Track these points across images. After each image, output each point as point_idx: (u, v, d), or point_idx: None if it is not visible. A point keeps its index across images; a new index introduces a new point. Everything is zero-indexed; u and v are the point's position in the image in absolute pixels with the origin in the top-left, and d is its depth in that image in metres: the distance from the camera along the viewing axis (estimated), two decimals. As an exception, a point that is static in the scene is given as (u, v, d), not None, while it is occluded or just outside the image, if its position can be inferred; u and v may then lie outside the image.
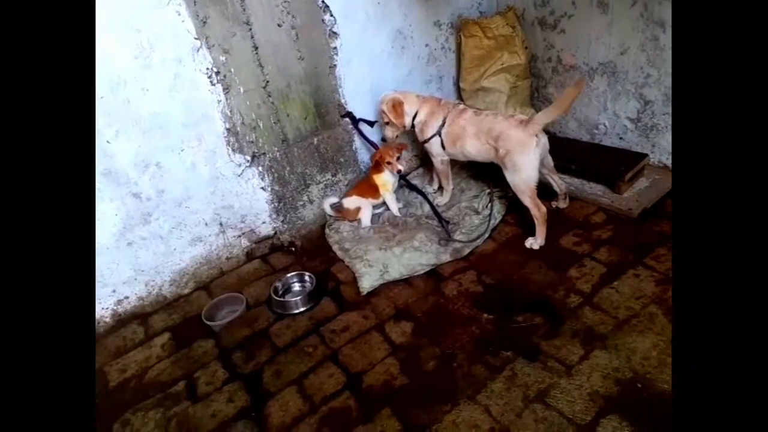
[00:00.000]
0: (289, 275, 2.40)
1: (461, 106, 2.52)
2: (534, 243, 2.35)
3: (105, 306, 2.28)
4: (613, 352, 1.70)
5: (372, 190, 2.68)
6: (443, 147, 2.56)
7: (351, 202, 2.67)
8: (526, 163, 2.25)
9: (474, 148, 2.43)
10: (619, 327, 1.80)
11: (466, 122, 2.43)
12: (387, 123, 2.64)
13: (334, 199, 2.78)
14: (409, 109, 2.59)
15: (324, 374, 1.87)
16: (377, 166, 2.62)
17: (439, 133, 2.53)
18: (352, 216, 2.67)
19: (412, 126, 2.65)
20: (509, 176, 2.33)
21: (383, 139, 2.82)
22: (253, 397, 1.83)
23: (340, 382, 1.82)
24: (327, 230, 2.70)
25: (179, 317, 2.34)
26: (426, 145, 2.63)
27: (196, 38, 2.10)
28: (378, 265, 2.27)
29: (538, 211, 2.30)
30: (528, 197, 2.30)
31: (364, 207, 2.64)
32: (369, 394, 1.75)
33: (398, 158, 2.58)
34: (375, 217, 2.73)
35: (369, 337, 2.00)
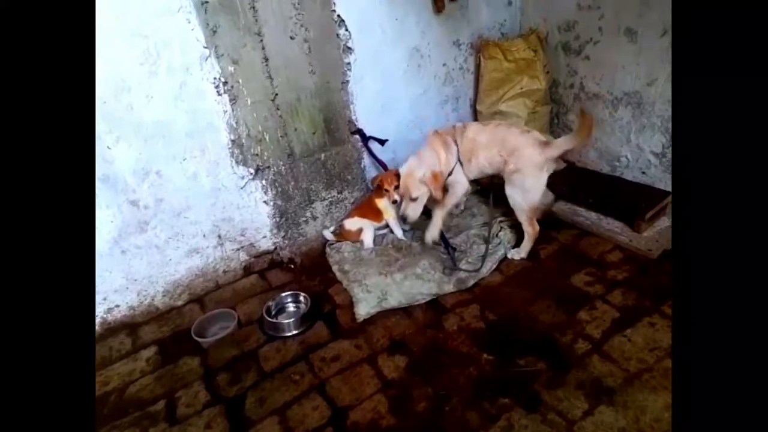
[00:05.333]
0: (283, 294, 2.32)
1: (460, 124, 2.43)
2: (516, 254, 2.40)
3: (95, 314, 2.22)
4: (621, 410, 1.55)
5: (374, 213, 2.59)
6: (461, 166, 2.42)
7: (353, 223, 2.58)
8: (534, 185, 2.22)
9: (486, 159, 2.32)
10: (629, 381, 1.66)
11: (474, 133, 2.34)
12: (414, 199, 2.31)
13: (332, 229, 2.71)
14: (439, 167, 2.35)
15: (309, 406, 1.76)
16: (379, 190, 2.53)
17: (458, 159, 2.39)
18: (354, 237, 2.58)
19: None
20: (512, 192, 2.28)
21: (394, 201, 2.54)
22: (233, 425, 1.73)
23: (325, 416, 1.71)
24: (328, 249, 2.61)
25: (169, 330, 2.26)
26: (450, 178, 2.40)
27: (205, 47, 2.06)
28: (376, 291, 2.17)
29: (532, 229, 2.33)
30: (526, 216, 2.31)
31: (366, 229, 2.55)
32: (353, 432, 1.63)
33: (396, 187, 2.42)
34: (379, 238, 2.63)
35: (360, 370, 1.89)
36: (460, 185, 2.43)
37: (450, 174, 2.40)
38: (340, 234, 2.65)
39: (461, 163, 2.38)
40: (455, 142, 2.37)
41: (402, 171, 2.34)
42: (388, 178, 2.46)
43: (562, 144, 2.17)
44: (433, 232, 2.40)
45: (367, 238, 2.55)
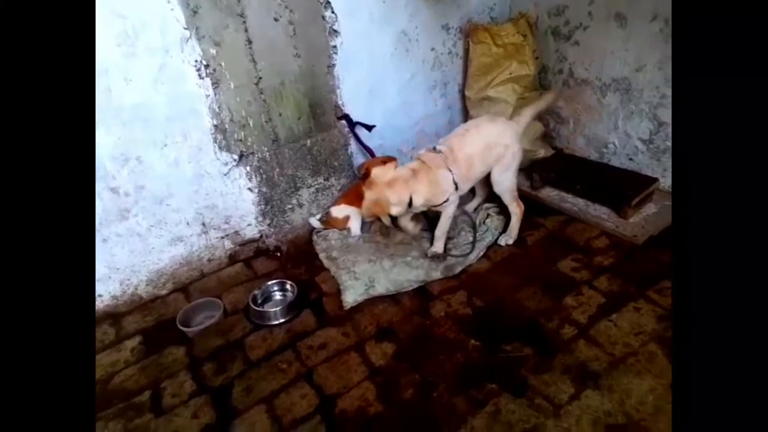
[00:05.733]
0: (269, 283, 2.29)
1: (442, 148, 2.19)
2: (506, 240, 2.40)
3: (76, 303, 2.17)
4: (606, 394, 1.57)
5: (361, 200, 2.54)
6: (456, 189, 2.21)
7: (340, 210, 2.55)
8: (518, 157, 2.28)
9: (483, 164, 2.24)
10: (615, 365, 1.67)
11: (463, 149, 2.18)
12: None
13: (318, 217, 2.68)
14: (396, 198, 2.09)
15: (296, 394, 1.75)
16: (366, 177, 2.49)
17: (455, 185, 2.18)
18: (341, 225, 2.55)
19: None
20: (501, 175, 2.28)
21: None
22: (220, 415, 1.71)
23: (312, 404, 1.70)
24: (315, 237, 2.59)
25: (153, 319, 2.22)
26: (444, 204, 2.21)
27: (185, 28, 1.99)
28: (364, 278, 2.15)
29: (519, 209, 2.37)
30: (513, 195, 2.34)
31: (353, 216, 2.53)
32: (341, 420, 1.62)
33: None
34: (366, 225, 2.61)
35: (347, 357, 1.88)
36: (453, 205, 2.25)
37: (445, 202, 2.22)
38: (327, 221, 2.61)
39: (457, 186, 2.19)
40: (449, 170, 2.15)
41: (371, 194, 2.12)
42: (375, 165, 2.42)
43: (528, 113, 2.36)
44: (438, 246, 2.32)
45: (355, 226, 2.53)
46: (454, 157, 2.17)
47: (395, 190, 2.08)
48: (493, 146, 2.22)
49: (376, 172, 2.14)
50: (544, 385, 1.64)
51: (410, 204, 2.12)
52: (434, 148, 2.21)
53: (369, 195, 2.12)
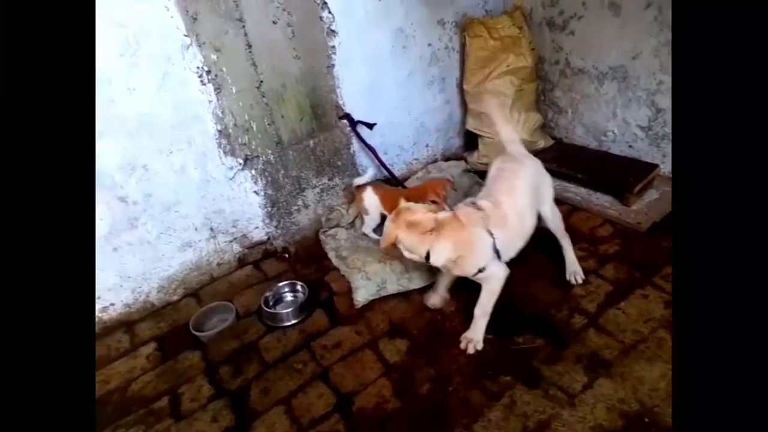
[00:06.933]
0: (280, 284, 2.31)
1: (483, 201, 1.83)
2: (577, 276, 2.08)
3: (89, 313, 2.19)
4: (619, 381, 1.61)
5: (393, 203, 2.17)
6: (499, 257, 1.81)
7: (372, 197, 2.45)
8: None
9: (532, 215, 1.91)
10: (626, 353, 1.71)
11: (514, 205, 1.84)
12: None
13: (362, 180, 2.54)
14: (408, 244, 1.76)
15: (313, 394, 1.78)
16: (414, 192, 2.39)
17: (497, 253, 1.78)
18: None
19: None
20: (553, 209, 2.04)
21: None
22: (239, 417, 1.74)
23: (330, 403, 1.73)
24: (322, 236, 2.60)
25: (167, 326, 2.25)
26: (480, 275, 1.79)
27: (185, 35, 1.99)
28: (376, 279, 2.17)
29: (567, 237, 2.11)
30: (563, 225, 2.09)
31: (371, 212, 2.49)
32: (359, 418, 1.66)
33: (444, 198, 2.30)
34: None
35: (362, 355, 1.91)
36: (497, 281, 1.80)
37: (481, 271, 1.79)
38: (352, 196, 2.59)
39: (499, 254, 1.79)
40: (489, 233, 1.76)
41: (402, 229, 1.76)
42: (436, 187, 2.31)
43: (509, 130, 2.11)
44: (475, 332, 1.86)
45: (368, 223, 2.52)
46: (500, 214, 1.78)
47: (410, 237, 1.74)
48: (539, 185, 1.96)
49: (408, 204, 1.84)
50: (558, 375, 1.67)
51: (428, 258, 1.76)
52: (473, 203, 1.84)
53: (390, 225, 1.82)
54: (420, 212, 1.78)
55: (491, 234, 1.75)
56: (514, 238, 1.84)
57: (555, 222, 2.03)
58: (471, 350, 1.82)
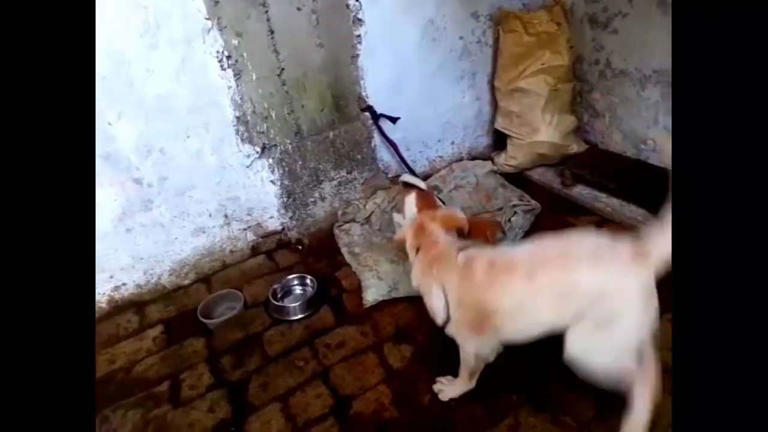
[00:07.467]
0: (290, 277, 2.28)
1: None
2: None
3: (102, 291, 2.21)
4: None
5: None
6: None
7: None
8: None
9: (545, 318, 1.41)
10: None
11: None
12: None
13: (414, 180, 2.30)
14: (417, 270, 1.59)
15: (312, 393, 1.74)
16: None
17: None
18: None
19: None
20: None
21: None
22: (235, 410, 1.72)
23: (327, 404, 1.68)
24: (336, 231, 2.55)
25: (175, 309, 2.25)
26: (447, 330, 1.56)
27: (207, 18, 1.96)
28: (388, 279, 2.10)
29: None
30: None
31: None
32: (355, 424, 1.60)
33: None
34: (385, 222, 2.53)
35: (364, 358, 1.85)
36: (463, 350, 1.59)
37: None
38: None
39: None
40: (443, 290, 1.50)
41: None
42: (491, 228, 2.03)
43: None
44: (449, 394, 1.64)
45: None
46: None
47: (421, 267, 1.57)
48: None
49: (441, 239, 1.57)
50: (569, 400, 1.56)
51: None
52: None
53: (407, 224, 1.71)
54: (438, 232, 1.57)
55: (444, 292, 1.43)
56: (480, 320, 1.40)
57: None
58: (441, 396, 1.63)
